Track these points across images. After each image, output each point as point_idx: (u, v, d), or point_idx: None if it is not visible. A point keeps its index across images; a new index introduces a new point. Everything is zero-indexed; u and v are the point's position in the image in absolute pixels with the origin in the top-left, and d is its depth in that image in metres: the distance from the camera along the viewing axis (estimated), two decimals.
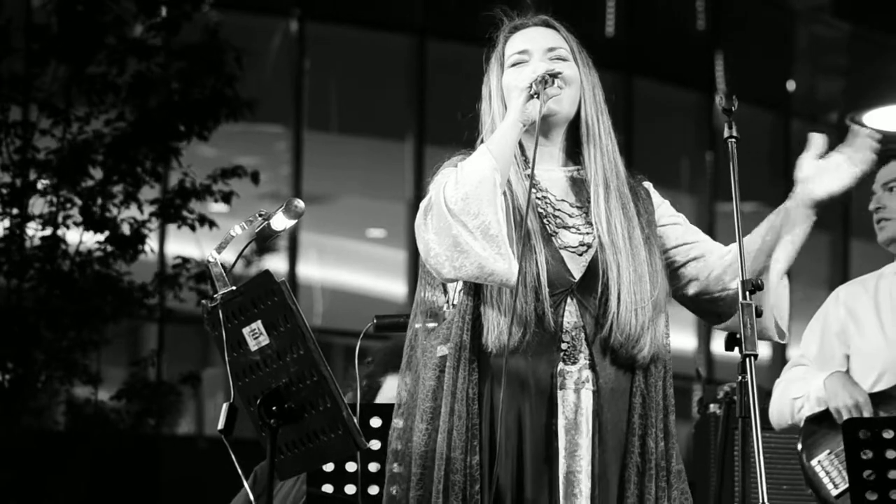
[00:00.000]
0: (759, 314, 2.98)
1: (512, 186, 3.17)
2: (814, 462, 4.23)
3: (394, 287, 13.66)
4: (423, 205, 3.11)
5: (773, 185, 15.28)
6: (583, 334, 3.13)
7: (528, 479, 3.09)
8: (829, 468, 4.21)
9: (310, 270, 13.30)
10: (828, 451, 4.21)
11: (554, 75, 3.18)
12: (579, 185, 3.25)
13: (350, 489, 3.74)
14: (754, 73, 14.92)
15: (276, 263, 12.57)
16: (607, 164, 3.23)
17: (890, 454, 3.82)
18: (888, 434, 3.82)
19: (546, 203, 3.22)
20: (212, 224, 8.33)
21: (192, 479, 10.06)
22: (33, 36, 8.23)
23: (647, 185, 3.34)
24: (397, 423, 3.18)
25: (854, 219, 15.39)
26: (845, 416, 4.11)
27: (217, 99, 8.31)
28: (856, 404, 4.13)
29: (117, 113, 8.30)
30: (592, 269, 3.15)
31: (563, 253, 3.17)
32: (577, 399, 3.12)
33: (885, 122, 6.31)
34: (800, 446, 4.26)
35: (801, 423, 4.27)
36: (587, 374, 3.13)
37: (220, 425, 3.12)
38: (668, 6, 14.61)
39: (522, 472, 3.09)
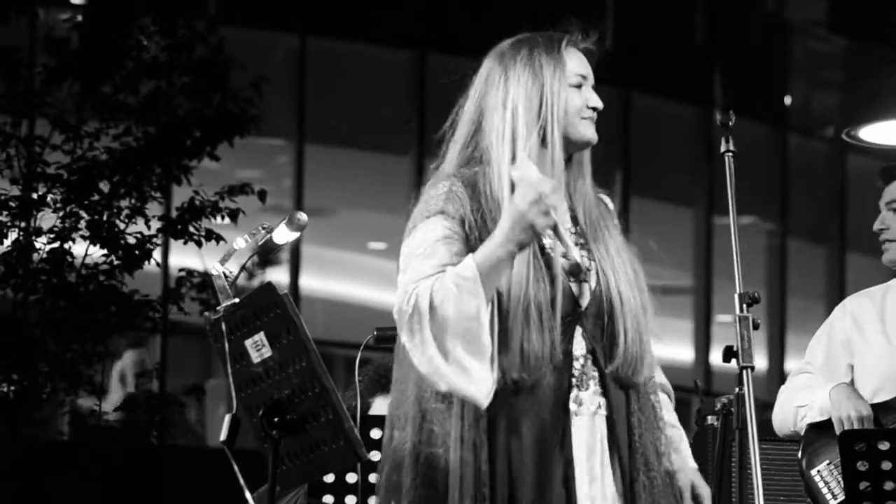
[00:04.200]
0: (755, 327, 3.01)
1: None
2: (813, 472, 4.25)
3: (394, 299, 13.67)
4: (401, 290, 3.09)
5: (770, 198, 15.33)
6: (591, 360, 3.15)
7: None
8: (828, 478, 4.23)
9: (311, 282, 13.33)
10: (827, 461, 4.23)
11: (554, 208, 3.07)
12: (566, 208, 3.23)
13: (350, 500, 3.76)
14: (751, 88, 14.95)
15: (277, 276, 12.59)
16: (590, 191, 3.25)
17: (885, 465, 3.84)
18: (884, 446, 3.84)
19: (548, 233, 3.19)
20: (218, 239, 8.36)
21: (195, 489, 10.07)
22: (51, 51, 8.27)
23: (606, 199, 3.33)
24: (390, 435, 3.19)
25: (850, 233, 15.42)
26: (846, 427, 4.13)
27: (223, 115, 8.34)
28: (859, 416, 4.15)
29: (125, 128, 8.34)
30: (597, 296, 3.16)
31: (571, 282, 3.16)
32: (591, 424, 3.14)
33: (882, 137, 6.35)
34: (800, 454, 4.29)
35: (803, 432, 4.30)
36: (599, 399, 3.15)
37: (223, 436, 3.14)
38: (666, 21, 14.64)
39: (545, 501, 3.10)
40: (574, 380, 3.13)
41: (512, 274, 3.08)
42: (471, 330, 3.01)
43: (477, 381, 3.02)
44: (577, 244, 3.22)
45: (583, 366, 3.14)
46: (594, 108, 3.21)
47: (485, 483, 3.06)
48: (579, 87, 3.22)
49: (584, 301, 3.16)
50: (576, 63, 3.24)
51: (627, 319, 3.14)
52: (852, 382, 4.31)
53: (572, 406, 3.12)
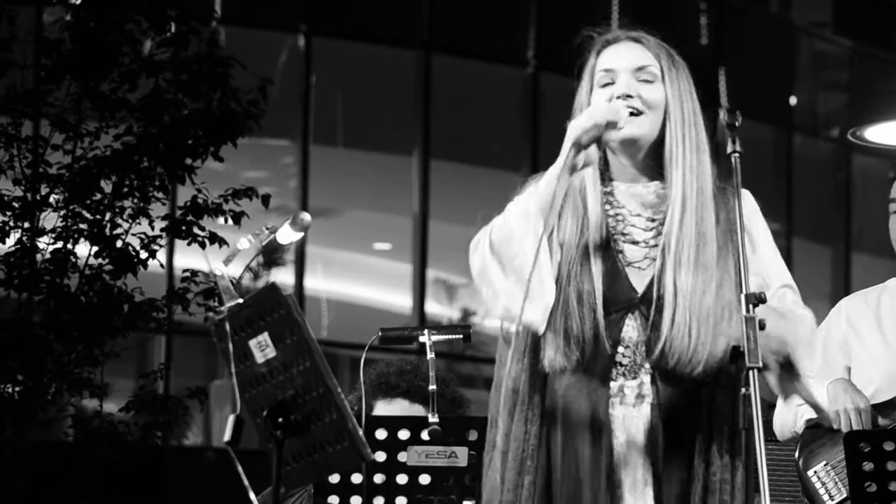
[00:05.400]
0: (762, 327, 3.00)
1: (587, 203, 3.16)
2: (810, 473, 4.25)
3: (399, 300, 13.70)
4: (474, 239, 3.14)
5: (776, 199, 15.33)
6: (644, 349, 3.12)
7: (588, 493, 3.10)
8: (825, 479, 4.23)
9: (316, 283, 13.35)
10: (824, 462, 4.23)
11: (612, 123, 3.10)
12: (662, 199, 3.20)
13: (356, 501, 3.76)
14: (757, 89, 14.96)
15: (282, 276, 12.60)
16: (688, 181, 3.17)
17: (891, 466, 3.83)
18: (889, 446, 3.84)
19: (618, 220, 3.19)
20: (222, 242, 8.36)
21: (199, 490, 10.09)
22: (46, 51, 8.28)
23: (746, 192, 3.23)
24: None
25: (856, 233, 15.43)
26: (843, 420, 4.13)
27: (224, 113, 8.33)
28: (856, 408, 4.14)
29: (125, 127, 8.34)
30: (653, 285, 3.13)
31: (627, 269, 3.14)
32: (637, 413, 3.12)
33: (887, 138, 6.36)
34: (797, 455, 4.28)
35: (801, 430, 4.30)
36: (648, 388, 3.12)
37: (227, 437, 3.14)
38: (671, 22, 14.64)
39: (580, 489, 3.11)
40: (622, 368, 3.12)
41: (562, 256, 3.11)
42: (531, 243, 3.03)
43: (534, 299, 3.04)
44: (649, 228, 3.18)
45: (634, 353, 3.12)
46: (621, 97, 3.15)
47: (531, 456, 3.09)
48: (606, 84, 3.21)
49: (640, 288, 3.14)
50: (607, 59, 3.24)
51: (679, 311, 3.09)
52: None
53: (613, 395, 3.12)
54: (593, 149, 3.11)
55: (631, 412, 3.12)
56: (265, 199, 8.52)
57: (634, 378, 3.13)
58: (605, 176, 3.22)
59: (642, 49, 3.26)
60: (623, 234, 3.18)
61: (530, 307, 3.05)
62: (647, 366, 3.12)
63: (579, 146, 3.09)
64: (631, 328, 3.13)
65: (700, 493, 3.10)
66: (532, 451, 3.10)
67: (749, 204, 3.26)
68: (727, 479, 3.12)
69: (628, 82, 3.19)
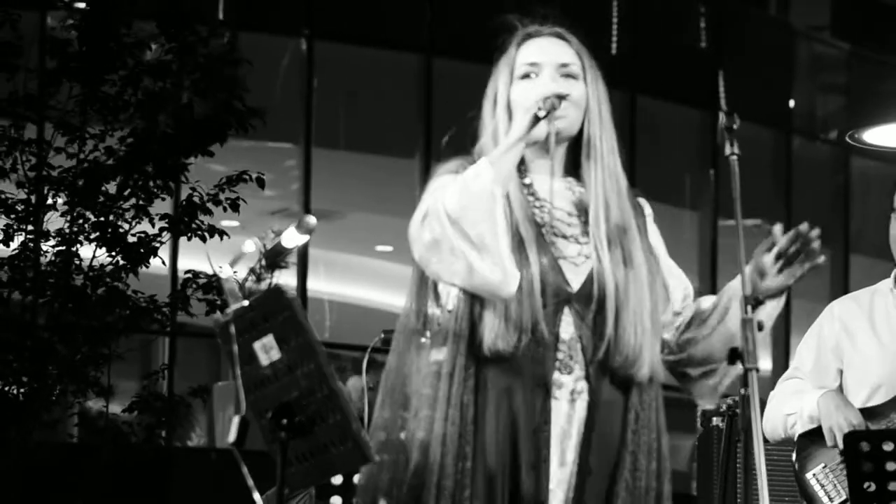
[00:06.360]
0: (760, 328, 3.02)
1: (508, 191, 3.15)
2: (808, 475, 4.25)
3: (401, 302, 13.58)
4: (418, 213, 3.09)
5: (775, 201, 15.34)
6: (579, 345, 3.13)
7: (523, 484, 3.09)
8: (823, 481, 4.24)
9: (319, 285, 13.36)
10: (822, 464, 4.24)
11: (562, 97, 3.14)
12: (578, 198, 3.23)
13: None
14: (756, 91, 14.96)
15: (285, 278, 12.60)
16: (608, 181, 3.20)
17: (890, 466, 3.85)
18: (888, 446, 3.86)
19: (544, 212, 3.19)
20: (222, 234, 8.38)
21: (203, 491, 10.10)
22: (51, 53, 8.30)
23: (643, 201, 3.33)
24: (383, 414, 3.17)
25: (854, 235, 15.42)
26: (838, 437, 4.14)
27: (226, 110, 8.36)
28: (850, 425, 4.15)
29: (129, 129, 8.36)
30: (590, 282, 3.15)
31: (562, 262, 3.15)
32: (570, 409, 3.12)
33: (885, 140, 6.37)
34: (794, 456, 4.30)
35: (795, 438, 4.31)
36: (582, 385, 3.13)
37: (232, 437, 3.15)
38: (671, 25, 14.66)
39: (518, 478, 3.10)
40: (557, 363, 3.12)
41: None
42: (489, 210, 3.01)
43: (498, 265, 3.02)
44: (573, 224, 3.20)
45: (569, 348, 3.13)
46: (552, 104, 3.12)
47: (468, 442, 3.08)
48: (528, 76, 3.21)
49: (575, 284, 3.15)
50: (530, 52, 3.24)
51: (623, 311, 3.12)
52: (841, 388, 4.32)
53: (553, 389, 3.11)
54: (543, 123, 3.10)
55: (564, 407, 3.12)
56: (260, 182, 8.53)
57: (569, 373, 3.13)
58: (521, 169, 3.22)
59: (566, 45, 3.25)
60: (551, 227, 3.19)
61: (495, 272, 3.03)
62: (581, 362, 3.13)
63: (536, 118, 3.08)
64: (566, 323, 3.13)
65: (624, 496, 3.11)
66: (471, 436, 3.08)
67: (647, 210, 3.31)
68: (653, 486, 3.14)
69: (553, 77, 3.19)
